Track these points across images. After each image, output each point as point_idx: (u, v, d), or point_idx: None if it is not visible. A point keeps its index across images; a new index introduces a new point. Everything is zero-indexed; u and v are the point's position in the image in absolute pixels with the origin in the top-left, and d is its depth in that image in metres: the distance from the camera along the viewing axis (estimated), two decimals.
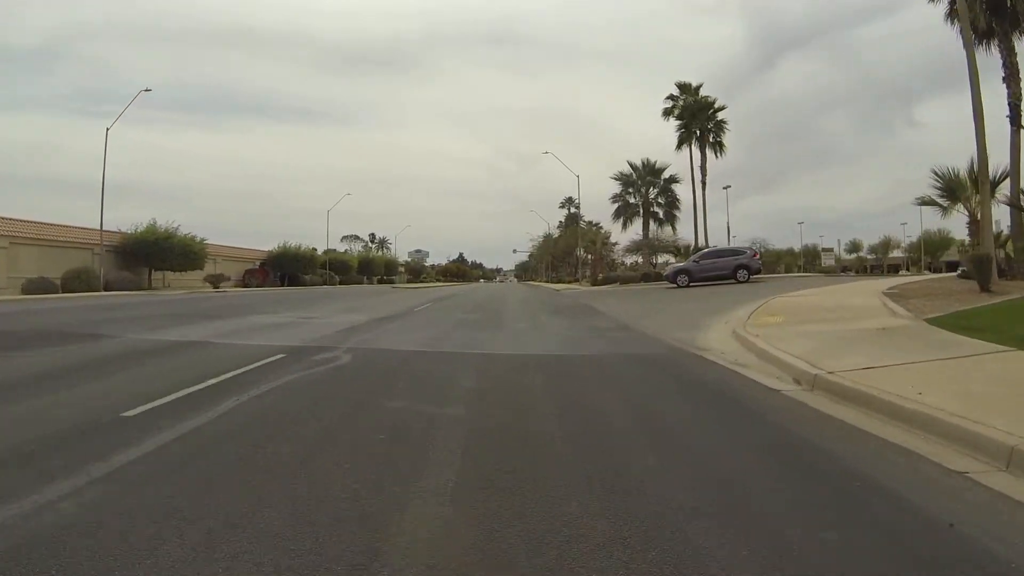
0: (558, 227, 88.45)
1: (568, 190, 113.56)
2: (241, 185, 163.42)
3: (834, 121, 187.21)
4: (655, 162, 51.72)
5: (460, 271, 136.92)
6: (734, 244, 45.66)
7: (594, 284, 43.17)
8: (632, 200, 52.64)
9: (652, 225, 51.85)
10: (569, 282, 59.03)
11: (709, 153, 48.62)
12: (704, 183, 48.02)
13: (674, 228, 52.05)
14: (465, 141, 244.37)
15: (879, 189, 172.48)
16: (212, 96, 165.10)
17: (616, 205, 53.19)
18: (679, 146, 49.21)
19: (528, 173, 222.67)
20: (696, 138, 47.75)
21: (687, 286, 26.85)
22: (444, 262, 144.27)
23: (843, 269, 71.04)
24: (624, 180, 52.55)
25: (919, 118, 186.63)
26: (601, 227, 68.37)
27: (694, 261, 29.20)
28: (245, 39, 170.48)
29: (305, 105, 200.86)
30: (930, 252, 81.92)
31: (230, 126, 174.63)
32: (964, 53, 15.19)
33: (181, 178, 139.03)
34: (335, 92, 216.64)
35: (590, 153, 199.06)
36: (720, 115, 48.75)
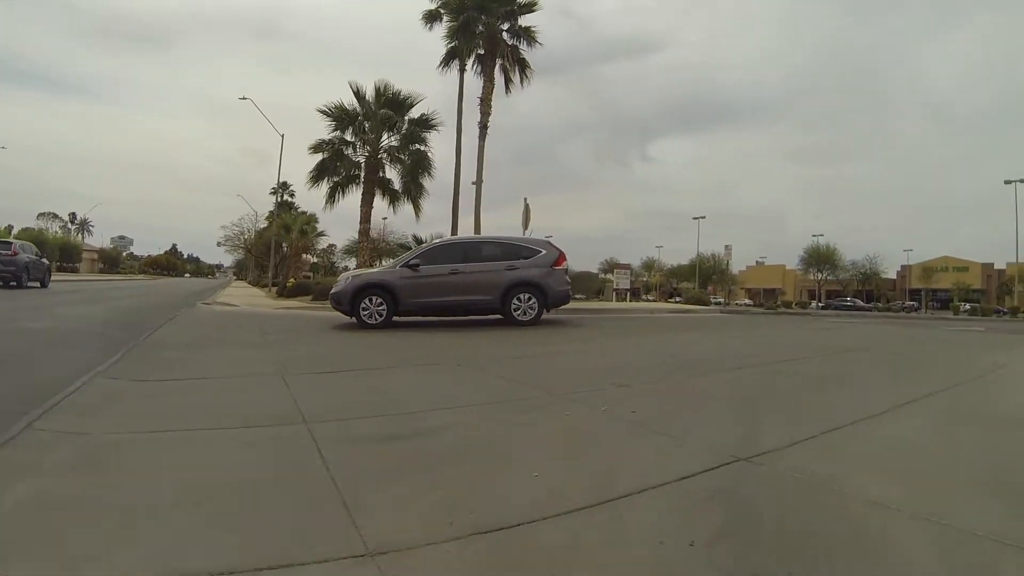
0: (266, 217, 69.88)
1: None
2: None
3: (572, 149, 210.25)
4: (399, 91, 29.72)
5: (170, 263, 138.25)
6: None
7: (280, 294, 31.36)
8: (351, 154, 30.79)
9: (381, 201, 31.29)
10: (262, 287, 48.13)
11: (498, 78, 30.54)
12: (485, 130, 29.50)
13: (418, 208, 31.01)
14: (210, 131, 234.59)
15: (609, 215, 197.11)
16: None
17: (320, 158, 30.34)
18: (446, 62, 30.78)
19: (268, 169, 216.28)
20: (480, 50, 30.66)
21: (384, 326, 13.07)
22: (156, 253, 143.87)
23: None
24: (338, 117, 29.89)
25: (653, 154, 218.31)
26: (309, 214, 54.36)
27: (408, 266, 13.68)
28: None
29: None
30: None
31: None
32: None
33: None
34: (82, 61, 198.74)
35: None
36: (527, 18, 30.56)
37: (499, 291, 13.75)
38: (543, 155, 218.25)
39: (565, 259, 14.70)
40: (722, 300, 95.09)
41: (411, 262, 13.81)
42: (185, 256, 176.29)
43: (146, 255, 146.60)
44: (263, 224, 70.12)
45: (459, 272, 13.76)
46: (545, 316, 14.57)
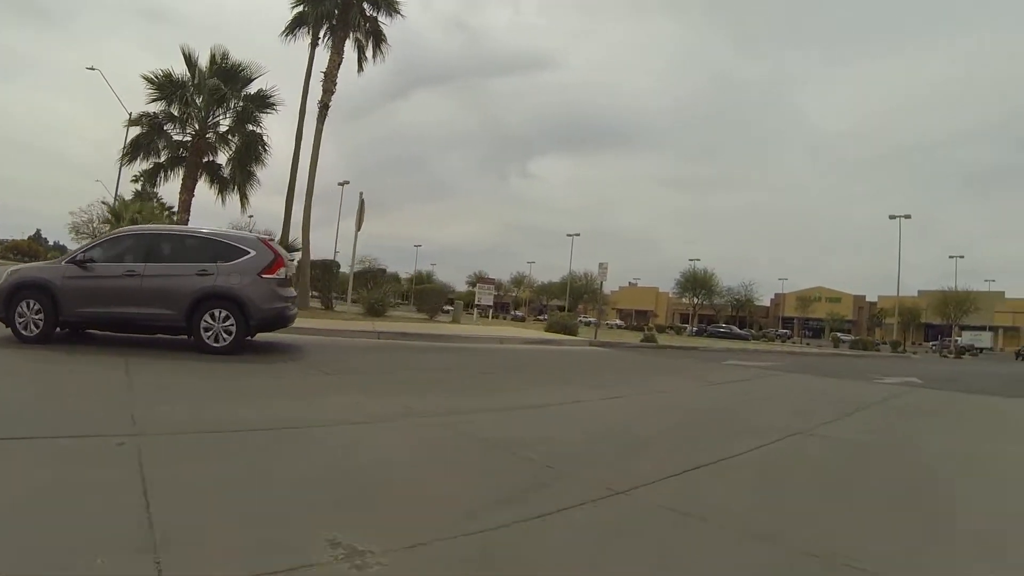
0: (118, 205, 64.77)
1: None
2: None
3: (453, 160, 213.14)
4: (238, 62, 25.35)
5: (32, 250, 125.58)
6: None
7: None
8: (176, 131, 25.63)
9: (210, 190, 26.84)
10: None
11: (349, 51, 27.11)
12: (326, 110, 26.03)
13: (245, 198, 26.77)
14: (88, 111, 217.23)
15: (485, 229, 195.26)
16: None
17: (137, 133, 25.50)
18: (291, 31, 26.90)
19: None
20: (332, 19, 26.51)
21: (41, 340, 9.29)
22: (18, 238, 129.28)
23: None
24: (162, 86, 24.42)
25: (533, 170, 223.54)
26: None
27: (76, 261, 9.79)
28: None
29: None
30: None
31: None
32: None
33: None
34: None
35: None
36: None
37: (184, 304, 9.63)
38: (422, 165, 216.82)
39: (282, 264, 10.40)
40: (593, 320, 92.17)
41: (81, 256, 9.93)
42: (51, 243, 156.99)
43: (10, 239, 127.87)
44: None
45: (136, 274, 9.72)
46: (284, 340, 11.95)
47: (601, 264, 23.89)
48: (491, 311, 54.20)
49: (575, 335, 22.85)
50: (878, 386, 13.20)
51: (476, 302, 55.69)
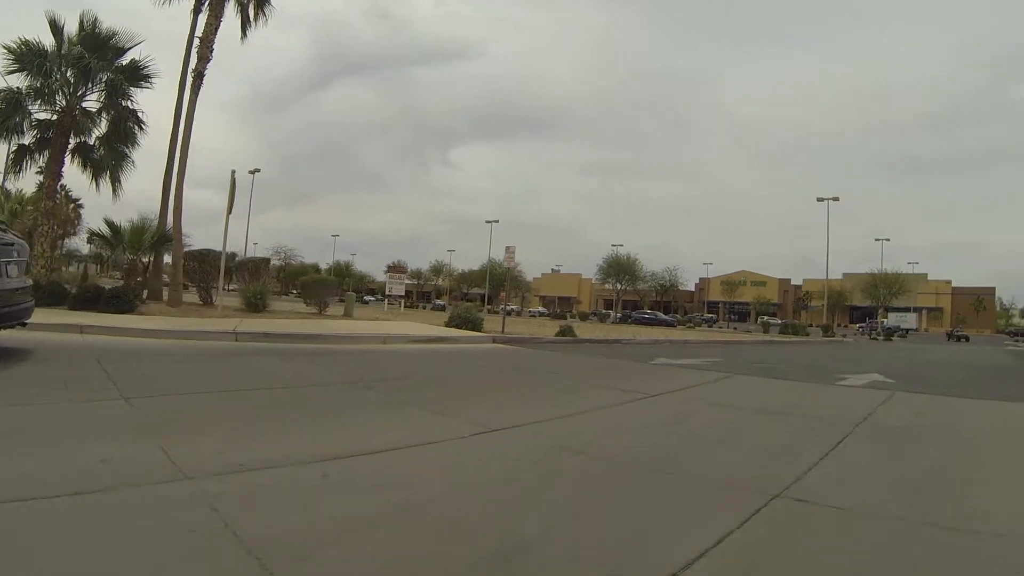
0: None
1: None
2: None
3: (373, 150, 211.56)
4: (111, 29, 21.17)
5: None
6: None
7: None
8: (36, 107, 20.75)
9: (81, 173, 22.46)
10: None
11: (234, 18, 24.77)
12: (201, 79, 23.05)
13: (117, 182, 22.52)
14: None
15: (406, 218, 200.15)
16: None
17: None
18: None
19: None
20: None
21: None
22: None
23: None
24: (23, 57, 19.86)
25: (454, 159, 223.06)
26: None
27: None
28: None
29: None
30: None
31: None
32: None
33: None
34: None
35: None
36: None
37: None
38: (346, 155, 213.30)
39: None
40: (513, 308, 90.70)
41: None
42: None
43: None
44: None
45: None
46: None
47: (508, 248, 20.85)
48: (403, 301, 50.71)
49: (479, 330, 19.57)
50: (845, 391, 10.37)
51: (387, 292, 52.21)
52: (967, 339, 63.60)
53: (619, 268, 75.17)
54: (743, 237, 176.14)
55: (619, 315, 71.07)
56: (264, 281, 25.34)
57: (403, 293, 50.75)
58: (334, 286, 28.81)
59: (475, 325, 20.18)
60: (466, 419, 5.67)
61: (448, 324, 21.20)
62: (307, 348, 12.15)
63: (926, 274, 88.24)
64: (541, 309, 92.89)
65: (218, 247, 22.08)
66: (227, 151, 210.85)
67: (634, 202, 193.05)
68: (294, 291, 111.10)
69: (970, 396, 10.32)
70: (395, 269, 52.42)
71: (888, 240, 68.75)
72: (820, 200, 54.78)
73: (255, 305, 21.31)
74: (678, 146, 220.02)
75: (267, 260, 33.33)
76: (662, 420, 6.54)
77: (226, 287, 26.56)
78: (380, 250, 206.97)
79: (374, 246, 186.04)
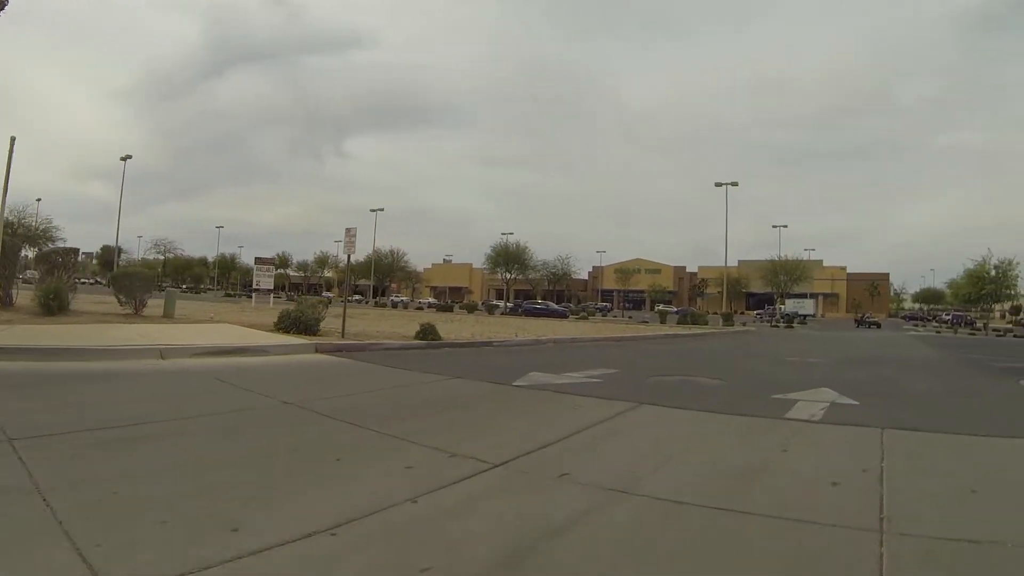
0: None
1: None
2: None
3: (267, 140, 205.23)
4: None
5: None
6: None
7: None
8: None
9: None
10: None
11: None
12: None
13: None
14: None
15: (301, 210, 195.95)
16: None
17: None
18: None
19: None
20: None
21: None
22: None
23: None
24: None
25: (348, 150, 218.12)
26: None
27: None
28: None
29: None
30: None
31: None
32: None
33: None
34: None
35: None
36: None
37: None
38: (239, 145, 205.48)
39: None
40: (404, 299, 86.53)
41: None
42: None
43: None
44: None
45: None
46: None
47: (348, 230, 16.46)
48: (272, 296, 45.25)
49: (314, 334, 15.07)
50: (812, 434, 6.48)
51: (255, 285, 46.54)
52: (878, 325, 62.11)
53: (508, 257, 71.41)
54: (638, 226, 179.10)
55: (510, 305, 67.19)
56: (65, 277, 20.06)
57: (271, 286, 45.56)
58: (149, 280, 23.44)
59: (307, 328, 15.65)
60: None
61: (277, 326, 16.58)
62: (30, 371, 8.40)
63: (821, 260, 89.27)
64: (431, 300, 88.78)
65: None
66: (116, 141, 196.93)
67: (529, 192, 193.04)
68: (183, 286, 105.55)
69: (991, 431, 6.73)
70: (262, 261, 46.46)
71: (786, 227, 68.16)
72: (718, 185, 52.79)
73: (52, 307, 17.52)
74: (573, 137, 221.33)
75: (75, 251, 27.60)
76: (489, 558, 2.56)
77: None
78: (278, 243, 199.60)
79: (271, 239, 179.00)
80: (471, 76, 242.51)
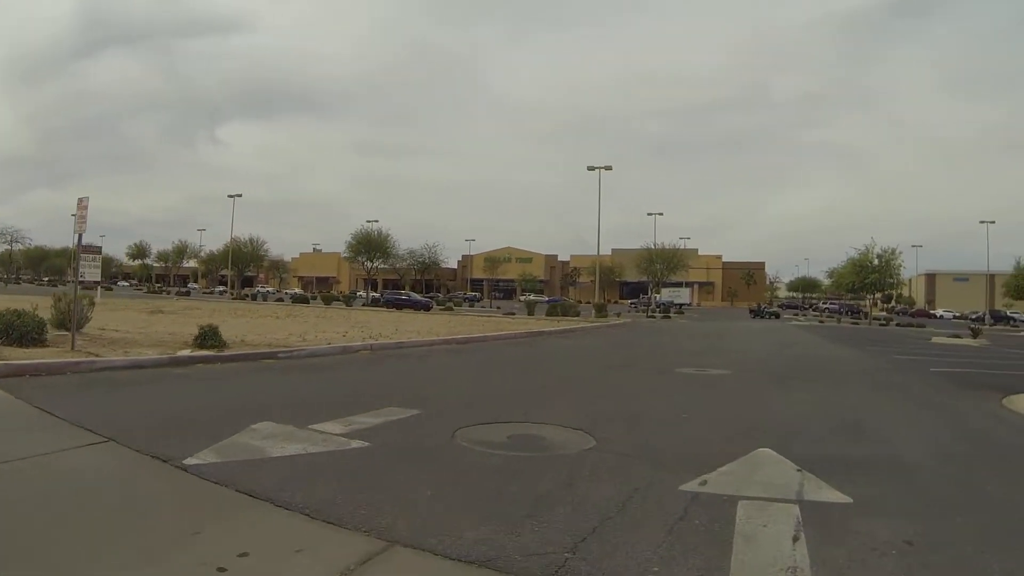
0: None
1: None
2: None
3: (141, 126, 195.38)
4: None
5: None
6: None
7: None
8: None
9: None
10: None
11: None
12: None
13: None
14: None
15: (176, 199, 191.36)
16: None
17: None
18: None
19: None
20: None
21: None
22: None
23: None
24: None
25: (226, 137, 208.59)
26: None
27: None
28: None
29: None
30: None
31: None
32: None
33: None
34: None
35: None
36: None
37: None
38: (112, 131, 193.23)
39: None
40: (270, 291, 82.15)
41: None
42: None
43: None
44: None
45: None
46: None
47: (80, 200, 13.71)
48: (100, 288, 40.62)
49: (39, 344, 11.89)
50: None
51: (79, 278, 41.42)
52: (777, 316, 61.01)
53: (370, 245, 67.58)
54: (514, 216, 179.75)
55: (373, 296, 63.53)
56: None
57: (98, 278, 40.77)
58: None
59: (24, 336, 12.19)
60: None
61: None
62: None
63: (696, 249, 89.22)
64: (297, 291, 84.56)
65: None
66: None
67: (405, 181, 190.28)
68: (45, 279, 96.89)
69: None
70: (87, 249, 41.48)
71: (661, 215, 67.54)
72: (591, 169, 50.12)
73: None
74: (449, 126, 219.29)
75: None
76: None
77: None
78: (150, 233, 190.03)
79: (144, 229, 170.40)
80: (348, 62, 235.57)
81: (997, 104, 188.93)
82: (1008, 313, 66.42)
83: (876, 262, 52.64)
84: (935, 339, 31.19)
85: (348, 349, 14.70)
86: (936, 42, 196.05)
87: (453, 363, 13.88)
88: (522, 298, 68.31)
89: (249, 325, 19.86)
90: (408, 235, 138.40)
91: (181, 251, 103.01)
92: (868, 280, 53.36)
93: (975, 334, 32.34)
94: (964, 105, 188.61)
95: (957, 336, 32.13)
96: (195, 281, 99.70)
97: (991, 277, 77.91)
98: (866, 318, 58.55)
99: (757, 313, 61.15)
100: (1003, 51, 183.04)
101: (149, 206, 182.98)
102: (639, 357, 16.49)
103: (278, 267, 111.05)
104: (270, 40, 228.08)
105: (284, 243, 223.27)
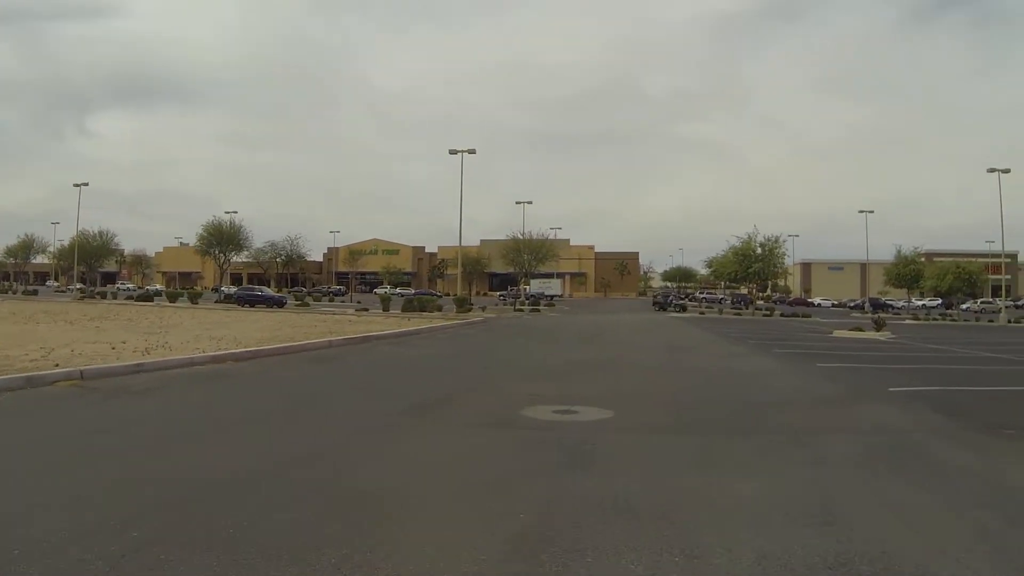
0: None
1: None
2: None
3: (3, 115, 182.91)
4: None
5: None
6: None
7: None
8: None
9: None
10: None
11: None
12: None
13: None
14: None
15: (43, 193, 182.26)
16: None
17: None
18: None
19: None
20: None
21: None
22: None
23: None
24: None
25: (93, 128, 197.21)
26: None
27: None
28: None
29: None
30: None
31: None
32: None
33: None
34: None
35: None
36: None
37: None
38: None
39: None
40: (132, 287, 77.70)
41: None
42: None
43: None
44: None
45: None
46: None
47: None
48: None
49: None
50: None
51: None
52: (683, 308, 56.82)
53: (221, 237, 63.90)
54: (384, 209, 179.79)
55: (227, 290, 60.06)
56: None
57: None
58: None
59: None
60: None
61: None
62: None
63: (568, 239, 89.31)
64: (158, 286, 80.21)
65: None
66: None
67: (274, 174, 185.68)
68: None
69: None
70: None
71: (530, 203, 65.92)
72: (453, 152, 48.16)
73: None
74: (320, 118, 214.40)
75: None
76: None
77: None
78: (15, 228, 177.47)
79: (9, 224, 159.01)
80: (219, 50, 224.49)
81: (865, 104, 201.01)
82: (885, 300, 67.99)
83: (760, 251, 52.44)
84: (836, 332, 29.54)
85: (33, 381, 9.15)
86: (808, 45, 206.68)
87: (211, 394, 9.37)
88: (377, 292, 67.05)
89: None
90: (278, 229, 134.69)
91: (28, 246, 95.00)
92: (752, 269, 52.97)
93: (878, 326, 29.30)
94: (834, 105, 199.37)
95: (859, 329, 30.09)
96: (56, 279, 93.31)
97: (865, 266, 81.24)
98: (747, 307, 58.27)
99: (663, 306, 56.32)
100: (873, 55, 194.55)
101: (13, 199, 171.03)
102: (478, 382, 11.63)
103: (141, 262, 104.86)
104: (140, 25, 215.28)
105: (153, 237, 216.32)
